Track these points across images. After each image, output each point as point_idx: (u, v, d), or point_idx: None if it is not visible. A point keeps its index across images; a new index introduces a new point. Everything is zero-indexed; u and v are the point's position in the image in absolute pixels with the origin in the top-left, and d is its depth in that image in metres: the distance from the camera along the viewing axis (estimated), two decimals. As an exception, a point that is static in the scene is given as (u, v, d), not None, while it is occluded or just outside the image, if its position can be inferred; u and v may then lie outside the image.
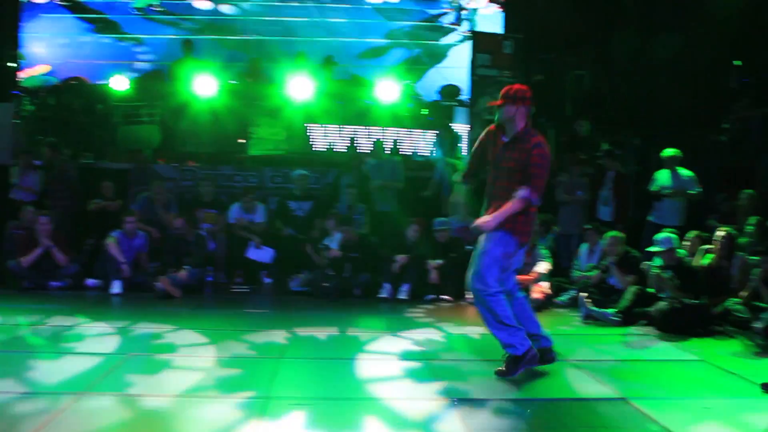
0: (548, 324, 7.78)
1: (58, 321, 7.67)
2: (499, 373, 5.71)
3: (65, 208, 10.98)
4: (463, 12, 16.19)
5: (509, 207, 5.52)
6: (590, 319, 8.26)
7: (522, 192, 5.51)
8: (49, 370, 5.73)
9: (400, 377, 5.84)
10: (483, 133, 6.05)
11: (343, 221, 10.26)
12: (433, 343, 7.13)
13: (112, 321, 7.74)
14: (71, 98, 14.37)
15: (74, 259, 10.07)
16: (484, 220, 5.62)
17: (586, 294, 8.60)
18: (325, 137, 13.42)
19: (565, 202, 11.14)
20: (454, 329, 7.77)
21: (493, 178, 5.82)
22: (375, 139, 13.06)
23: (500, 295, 5.67)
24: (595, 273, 9.24)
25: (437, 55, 16.25)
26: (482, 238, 5.73)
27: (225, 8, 16.20)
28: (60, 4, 16.07)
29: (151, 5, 15.97)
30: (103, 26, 16.15)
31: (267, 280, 10.69)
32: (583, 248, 10.02)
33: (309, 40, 16.17)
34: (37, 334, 7.16)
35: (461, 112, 14.31)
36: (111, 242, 9.81)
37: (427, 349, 6.81)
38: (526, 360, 5.65)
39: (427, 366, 6.12)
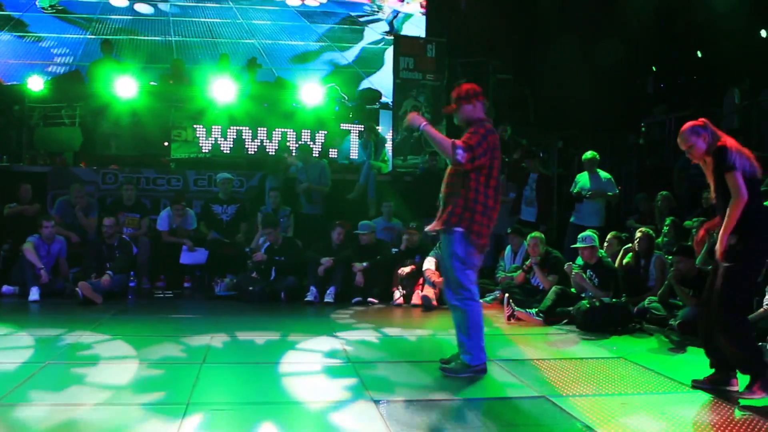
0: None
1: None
2: (445, 370, 5.85)
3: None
4: (395, 17, 16.34)
5: (436, 137, 5.71)
6: (514, 319, 8.41)
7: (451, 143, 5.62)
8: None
9: (324, 380, 5.85)
10: None
11: (269, 224, 10.20)
12: (359, 345, 7.13)
13: (29, 328, 7.53)
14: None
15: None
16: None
17: (509, 294, 8.75)
18: (250, 140, 13.31)
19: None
20: (380, 331, 7.81)
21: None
22: (300, 142, 13.04)
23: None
24: (518, 273, 9.41)
25: (361, 59, 16.34)
26: (444, 242, 5.82)
27: (143, 8, 15.95)
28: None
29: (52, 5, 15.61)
30: (16, 25, 15.72)
31: (188, 285, 10.55)
32: (508, 250, 10.22)
33: (232, 41, 16.08)
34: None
35: (385, 115, 14.41)
36: (28, 247, 9.52)
37: (352, 351, 6.81)
38: (474, 369, 5.76)
39: (352, 368, 6.12)
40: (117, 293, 9.60)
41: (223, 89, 12.94)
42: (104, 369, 6.03)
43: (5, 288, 9.66)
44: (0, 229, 10.65)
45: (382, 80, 15.73)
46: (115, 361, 6.31)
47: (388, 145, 13.57)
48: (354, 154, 13.61)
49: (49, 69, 15.24)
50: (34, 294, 9.31)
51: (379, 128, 13.62)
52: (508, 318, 8.42)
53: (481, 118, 5.83)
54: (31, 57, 15.39)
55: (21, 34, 15.68)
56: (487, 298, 9.58)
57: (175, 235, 10.75)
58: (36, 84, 13.19)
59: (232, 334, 7.45)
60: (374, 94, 15.13)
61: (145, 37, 15.86)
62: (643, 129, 14.68)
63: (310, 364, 6.32)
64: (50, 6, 15.79)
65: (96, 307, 8.97)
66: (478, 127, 5.73)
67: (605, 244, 9.20)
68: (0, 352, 6.54)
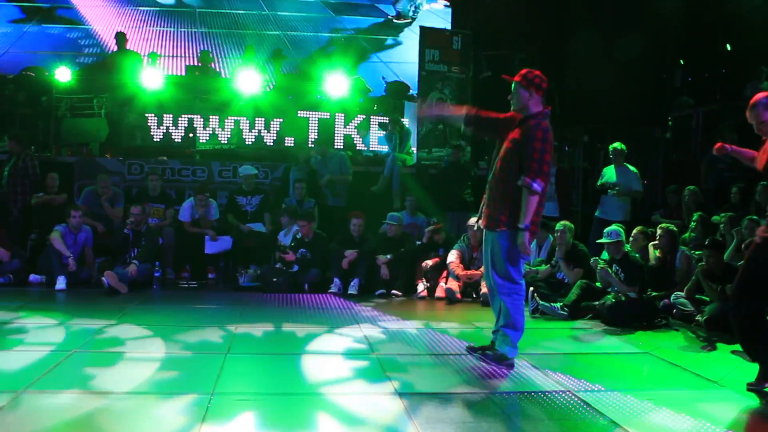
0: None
1: (0, 317, 7.50)
2: (486, 356, 5.92)
3: (23, 202, 10.77)
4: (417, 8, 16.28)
5: (529, 205, 5.53)
6: (538, 313, 8.36)
7: (525, 183, 5.50)
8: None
9: (348, 372, 5.85)
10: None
11: (303, 217, 10.21)
12: (382, 337, 7.13)
13: (57, 317, 7.61)
14: (15, 90, 14.05)
15: (17, 255, 9.85)
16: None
17: (534, 288, 8.70)
18: (274, 131, 13.31)
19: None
20: (404, 324, 7.78)
21: (494, 167, 5.83)
22: (322, 134, 13.01)
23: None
24: (544, 267, 9.35)
25: (387, 50, 16.29)
26: (493, 238, 5.78)
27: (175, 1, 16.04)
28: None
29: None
30: (45, 16, 15.86)
31: (212, 276, 10.62)
32: (532, 244, 10.14)
33: (258, 33, 16.11)
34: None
35: (410, 107, 14.37)
36: (55, 237, 9.61)
37: (375, 343, 6.81)
38: (506, 364, 5.79)
39: (376, 361, 6.12)
40: (142, 283, 9.66)
41: (248, 81, 12.96)
42: (129, 358, 6.08)
43: (33, 277, 9.76)
44: (27, 219, 10.76)
45: (406, 71, 15.68)
46: (140, 351, 6.36)
47: (413, 138, 13.51)
48: (378, 145, 13.58)
49: (77, 60, 15.33)
50: (60, 283, 9.40)
51: (404, 120, 13.58)
52: (533, 312, 8.37)
53: (539, 111, 5.68)
54: (59, 48, 15.51)
55: (49, 24, 15.81)
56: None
57: (198, 226, 10.79)
58: (64, 75, 13.29)
59: (255, 325, 7.48)
60: (403, 87, 15.08)
61: (172, 29, 15.92)
62: (669, 123, 14.52)
63: (333, 356, 6.33)
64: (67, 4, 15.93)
65: (121, 297, 9.04)
66: (537, 130, 5.59)
67: (631, 239, 9.11)
68: (27, 340, 6.62)
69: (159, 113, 12.89)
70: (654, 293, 8.40)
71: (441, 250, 10.01)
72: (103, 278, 9.22)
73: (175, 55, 15.03)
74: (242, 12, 16.28)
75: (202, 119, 13.02)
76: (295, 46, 15.99)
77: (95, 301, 8.77)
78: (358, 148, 13.44)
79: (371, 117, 13.75)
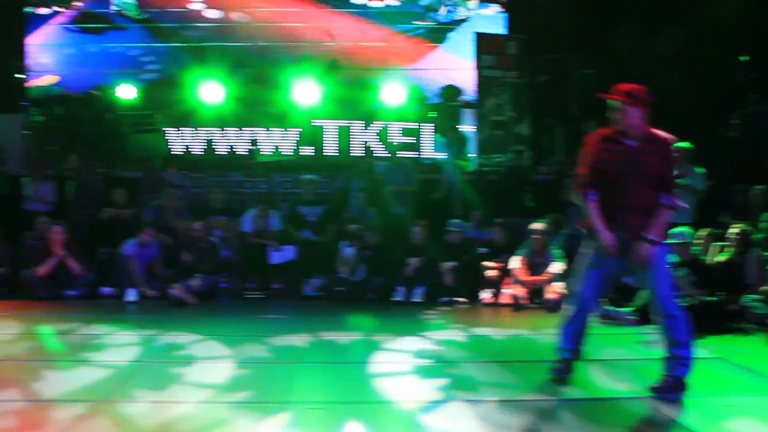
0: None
1: (76, 329, 7.72)
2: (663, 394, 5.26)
3: (89, 216, 11.04)
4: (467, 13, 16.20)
5: (663, 218, 5.26)
6: (607, 318, 8.24)
7: (668, 200, 5.25)
8: (69, 378, 5.78)
9: (415, 380, 5.85)
10: (588, 142, 5.55)
11: (366, 227, 10.27)
12: (448, 345, 7.14)
13: (128, 329, 7.81)
14: (80, 108, 14.45)
15: (89, 268, 10.12)
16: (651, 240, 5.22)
17: (603, 293, 8.58)
18: (333, 141, 13.42)
19: (571, 201, 11.15)
20: (470, 331, 7.78)
21: (623, 186, 5.29)
22: (386, 143, 13.03)
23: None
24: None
25: (441, 57, 16.25)
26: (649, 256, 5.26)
27: (233, 15, 16.27)
28: (65, 14, 16.16)
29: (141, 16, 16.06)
30: (110, 35, 16.23)
31: (277, 286, 10.72)
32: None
33: (314, 44, 16.23)
34: (56, 342, 7.22)
35: (468, 114, 14.34)
36: (125, 250, 9.85)
37: (443, 351, 6.82)
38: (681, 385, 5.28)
39: (443, 368, 6.12)
40: (209, 294, 9.81)
41: (305, 92, 13.09)
42: (199, 368, 6.18)
43: (104, 290, 9.99)
44: (97, 233, 11.02)
45: (459, 76, 15.63)
46: (209, 361, 6.46)
47: (472, 144, 13.48)
48: (437, 153, 13.57)
49: (139, 77, 15.65)
50: (130, 295, 9.62)
51: (462, 126, 13.55)
52: (603, 317, 8.25)
53: (651, 130, 5.38)
54: (121, 66, 15.85)
55: (112, 43, 16.17)
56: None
57: (260, 237, 10.92)
58: (127, 92, 13.61)
59: (321, 334, 7.54)
60: (456, 91, 15.06)
61: (231, 43, 16.14)
62: (735, 121, 14.20)
63: (400, 364, 6.33)
64: (138, 17, 16.26)
65: (190, 308, 9.21)
66: (665, 146, 5.37)
67: (698, 240, 8.94)
68: (102, 351, 6.78)
69: (219, 127, 13.09)
70: (724, 296, 8.22)
71: (504, 256, 9.96)
72: (171, 290, 9.40)
73: (233, 68, 15.22)
74: (298, 24, 16.41)
75: (261, 131, 13.18)
76: (350, 56, 16.06)
77: (164, 313, 8.96)
78: (414, 155, 13.44)
79: (428, 124, 13.75)
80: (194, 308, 9.22)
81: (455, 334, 7.61)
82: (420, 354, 6.71)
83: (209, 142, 13.13)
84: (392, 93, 13.53)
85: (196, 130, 13.20)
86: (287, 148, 13.29)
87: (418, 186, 11.85)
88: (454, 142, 12.90)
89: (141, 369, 6.11)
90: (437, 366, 6.23)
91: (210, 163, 13.10)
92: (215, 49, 15.95)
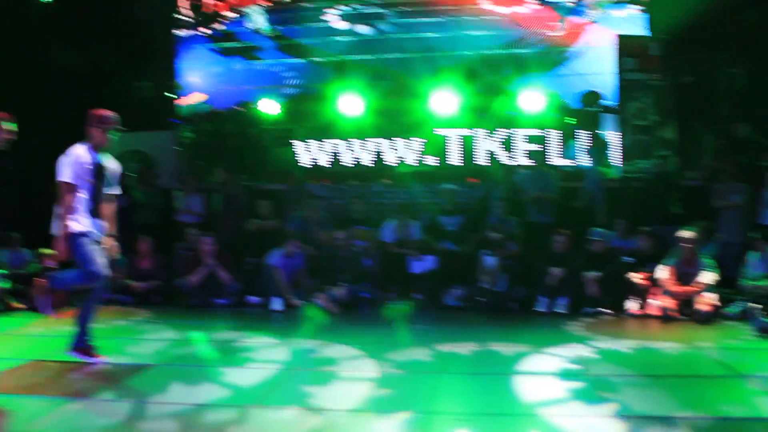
0: (717, 337, 7.48)
1: (227, 337, 8.00)
2: None
3: (236, 228, 11.45)
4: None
5: None
6: (764, 331, 7.79)
7: None
8: (221, 383, 5.99)
9: (562, 393, 5.69)
10: None
11: (507, 236, 10.16)
12: (594, 357, 6.93)
13: (275, 336, 8.02)
14: (226, 124, 15.04)
15: (236, 278, 10.47)
16: None
17: (758, 305, 8.13)
18: (472, 150, 13.32)
19: (720, 207, 10.65)
20: (615, 344, 7.52)
21: None
22: (530, 150, 12.80)
23: None
24: (766, 282, 8.74)
25: (580, 62, 15.89)
26: None
27: (362, 29, 16.50)
28: (211, 35, 16.89)
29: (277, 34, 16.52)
30: (251, 53, 16.82)
31: (417, 296, 10.75)
32: (752, 257, 9.51)
33: (451, 54, 16.23)
34: (208, 348, 7.49)
35: (609, 119, 13.95)
36: (270, 261, 10.13)
37: (588, 363, 6.61)
38: None
39: (589, 381, 5.93)
40: (351, 303, 9.94)
41: (443, 101, 13.10)
42: (344, 376, 6.27)
43: (251, 299, 10.31)
44: (243, 244, 11.41)
45: (599, 80, 15.22)
46: (353, 369, 6.53)
47: (615, 150, 13.08)
48: (578, 160, 13.25)
49: (281, 92, 16.11)
50: (276, 304, 9.88)
51: (604, 132, 13.18)
52: (761, 331, 7.80)
53: None
54: (263, 82, 16.37)
55: (253, 60, 16.74)
56: (733, 309, 8.96)
57: (401, 247, 10.99)
58: (268, 107, 14.05)
59: (464, 344, 7.48)
60: (596, 97, 14.68)
61: (368, 56, 16.37)
62: None
63: (545, 376, 6.21)
64: (274, 34, 16.79)
65: (332, 317, 9.35)
66: None
67: None
68: (252, 358, 7.00)
69: (360, 138, 13.28)
70: None
71: (650, 265, 9.60)
72: (315, 300, 9.58)
73: (372, 80, 15.43)
74: (435, 35, 16.46)
75: (400, 142, 13.27)
76: (487, 65, 15.96)
77: (308, 321, 9.13)
78: (555, 162, 13.15)
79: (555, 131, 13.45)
80: (337, 317, 9.36)
81: (601, 346, 7.37)
82: (564, 366, 6.54)
83: (348, 153, 13.31)
84: (530, 100, 13.34)
85: (336, 142, 13.42)
86: (413, 158, 13.27)
87: (559, 194, 11.60)
88: (596, 148, 12.57)
89: (288, 376, 6.24)
90: (584, 378, 6.05)
91: (350, 174, 13.29)
92: (354, 62, 16.25)
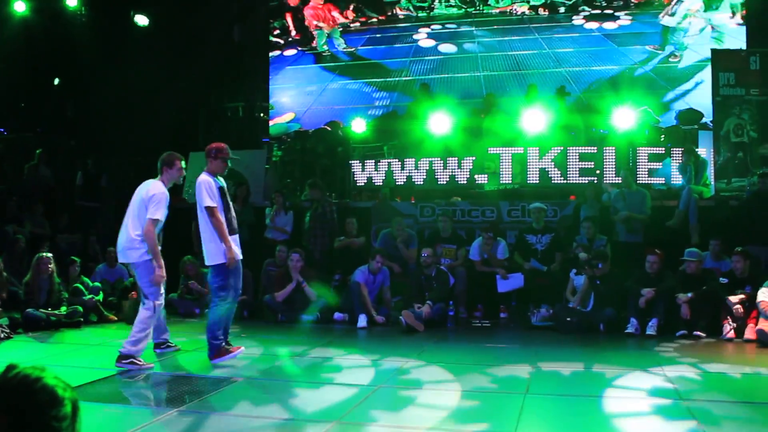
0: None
1: (312, 352, 8.09)
2: None
3: (323, 245, 11.59)
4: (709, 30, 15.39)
5: None
6: None
7: None
8: (306, 399, 6.06)
9: (655, 418, 5.48)
10: None
11: (596, 255, 9.96)
12: (686, 381, 6.67)
13: (361, 353, 8.07)
14: (315, 143, 15.29)
15: (323, 294, 10.57)
16: None
17: None
18: (560, 168, 13.10)
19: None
20: (709, 367, 7.24)
21: None
22: (622, 169, 12.49)
23: None
24: None
25: (674, 78, 15.54)
26: None
27: (448, 48, 16.58)
28: (302, 56, 17.26)
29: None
30: (342, 73, 17.12)
31: (504, 315, 10.65)
32: None
33: (539, 72, 16.12)
34: (294, 364, 7.58)
35: (705, 136, 13.55)
36: (356, 278, 10.20)
37: (679, 387, 6.35)
38: None
39: (684, 407, 5.70)
40: (437, 322, 9.90)
41: (533, 119, 12.99)
42: (429, 395, 6.25)
43: (337, 315, 10.41)
44: (331, 261, 11.52)
45: (698, 99, 14.84)
46: (438, 387, 6.49)
47: (710, 168, 12.68)
48: (672, 178, 12.88)
49: (370, 112, 16.31)
50: (362, 321, 9.93)
51: (700, 150, 12.80)
52: None
53: None
54: (354, 102, 16.62)
55: (342, 79, 17.03)
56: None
57: (487, 265, 10.91)
58: (359, 126, 14.23)
59: (552, 365, 7.37)
60: (696, 116, 14.31)
61: (456, 75, 16.43)
62: None
63: (636, 400, 6.03)
64: (350, 51, 17.10)
65: (418, 335, 9.33)
66: None
67: None
68: (338, 375, 7.03)
69: (445, 156, 13.27)
70: None
71: (748, 287, 9.23)
72: (400, 317, 9.59)
73: (461, 99, 15.47)
74: (523, 53, 16.39)
75: (488, 159, 13.18)
76: (578, 82, 15.78)
77: (394, 338, 9.14)
78: (648, 181, 12.81)
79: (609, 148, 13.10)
80: (422, 335, 9.33)
81: (694, 371, 7.11)
82: (656, 390, 6.32)
83: (436, 171, 13.31)
84: (623, 117, 13.09)
85: (424, 160, 13.44)
86: (501, 176, 13.12)
87: (651, 213, 11.30)
88: (690, 166, 12.20)
89: (372, 393, 6.24)
90: (677, 404, 5.81)
91: (438, 192, 13.29)
92: (442, 81, 16.32)
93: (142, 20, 16.75)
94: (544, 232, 11.13)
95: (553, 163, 12.81)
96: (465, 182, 13.23)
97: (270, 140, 16.79)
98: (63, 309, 9.95)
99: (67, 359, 7.82)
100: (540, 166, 12.88)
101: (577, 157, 12.79)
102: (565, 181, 12.90)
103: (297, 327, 9.98)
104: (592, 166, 12.74)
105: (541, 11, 16.53)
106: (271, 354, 8.08)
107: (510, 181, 13.11)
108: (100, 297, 10.81)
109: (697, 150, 12.70)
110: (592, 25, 16.24)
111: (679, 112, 14.75)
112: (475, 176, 13.15)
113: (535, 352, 8.07)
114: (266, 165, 15.03)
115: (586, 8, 16.25)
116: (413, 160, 13.48)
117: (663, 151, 13.02)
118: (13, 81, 16.26)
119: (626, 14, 16.02)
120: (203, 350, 7.57)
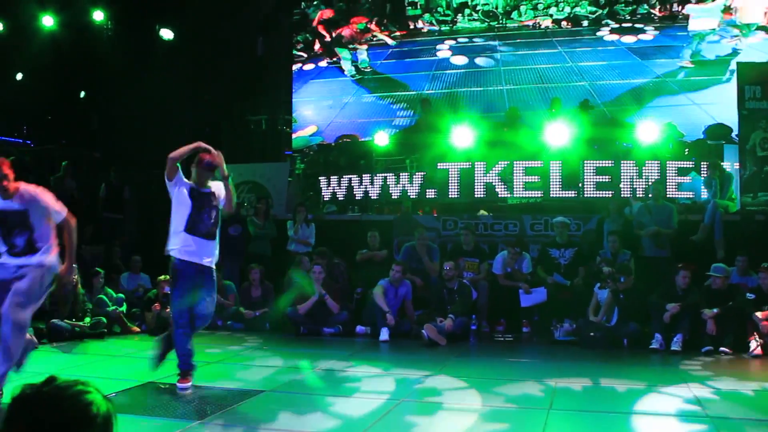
0: None
1: (334, 365, 8.06)
2: None
3: (345, 258, 11.59)
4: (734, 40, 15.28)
5: None
6: None
7: None
8: (328, 412, 6.01)
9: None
10: None
11: (620, 270, 9.87)
12: (715, 399, 6.57)
13: (383, 366, 8.05)
14: (337, 155, 15.33)
15: (345, 307, 10.57)
16: None
17: None
18: (583, 182, 13.01)
19: None
20: (735, 385, 7.15)
21: None
22: (651, 183, 12.37)
23: None
24: None
25: (699, 91, 15.42)
26: None
27: (480, 61, 16.59)
28: (325, 69, 17.35)
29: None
30: (364, 85, 17.18)
31: (526, 329, 10.58)
32: None
33: (563, 85, 16.07)
34: (316, 377, 7.56)
35: (730, 150, 13.43)
36: (377, 291, 10.19)
37: (704, 405, 6.26)
38: None
39: (712, 425, 5.61)
40: (459, 336, 9.85)
41: (556, 133, 12.93)
42: (451, 409, 6.19)
43: (359, 328, 10.42)
44: (353, 274, 11.53)
45: (722, 112, 14.69)
46: (461, 402, 6.44)
47: (736, 182, 12.55)
48: (698, 192, 12.77)
49: (394, 123, 16.34)
50: (384, 334, 9.90)
51: (725, 164, 12.68)
52: None
53: None
54: (376, 115, 16.65)
55: (369, 94, 17.09)
56: None
57: (511, 279, 10.86)
58: (382, 139, 14.25)
59: (575, 380, 7.29)
60: (724, 131, 14.18)
61: (479, 88, 16.42)
62: None
63: (662, 417, 5.96)
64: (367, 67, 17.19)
65: (440, 349, 9.28)
66: None
67: None
68: (360, 388, 7.02)
69: (467, 170, 13.24)
70: None
71: (776, 303, 9.13)
72: (422, 330, 9.56)
73: (484, 112, 15.45)
74: (547, 66, 16.36)
75: (512, 174, 13.15)
76: (601, 95, 15.71)
77: (416, 352, 9.11)
78: (674, 195, 12.70)
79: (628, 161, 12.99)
80: (444, 349, 9.28)
81: (721, 387, 7.00)
82: (683, 407, 6.23)
83: (457, 185, 13.28)
84: (647, 131, 13.01)
85: (449, 171, 13.40)
86: (524, 190, 13.06)
87: (677, 227, 11.19)
88: (716, 180, 12.08)
89: (395, 406, 6.21)
90: (705, 421, 5.73)
91: (460, 205, 13.25)
92: (465, 94, 16.32)
93: (167, 34, 16.90)
94: (567, 247, 11.06)
95: (577, 177, 12.75)
96: (484, 195, 13.18)
97: (293, 153, 16.86)
98: (87, 320, 10.03)
99: (89, 370, 7.85)
100: (566, 180, 12.81)
101: (600, 170, 12.73)
102: (589, 195, 12.81)
103: (319, 340, 9.98)
104: (617, 180, 12.66)
105: (564, 24, 16.49)
106: (294, 366, 8.05)
107: (535, 195, 13.07)
108: (124, 308, 10.89)
109: (723, 164, 12.59)
110: (614, 37, 16.19)
111: (707, 127, 14.64)
112: (497, 189, 13.10)
113: (558, 367, 8.01)
114: (289, 177, 15.09)
115: (610, 21, 16.20)
116: (434, 173, 13.47)
117: (692, 165, 12.92)
118: (40, 94, 16.47)
119: (653, 27, 15.95)
120: (227, 362, 7.58)
